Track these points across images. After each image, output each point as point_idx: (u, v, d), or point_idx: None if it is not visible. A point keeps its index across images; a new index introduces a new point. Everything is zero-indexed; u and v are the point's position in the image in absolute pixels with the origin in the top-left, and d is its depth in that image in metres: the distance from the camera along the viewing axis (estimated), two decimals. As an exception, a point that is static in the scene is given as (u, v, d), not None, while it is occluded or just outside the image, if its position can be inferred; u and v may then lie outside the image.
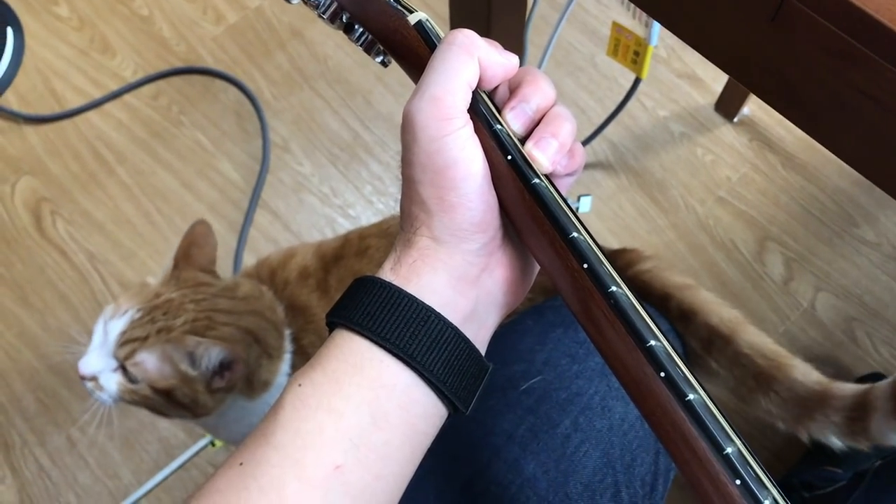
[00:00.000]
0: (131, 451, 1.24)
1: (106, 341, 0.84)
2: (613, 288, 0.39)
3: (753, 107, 1.48)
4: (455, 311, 0.42)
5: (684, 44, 1.69)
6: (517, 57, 0.45)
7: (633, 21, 1.21)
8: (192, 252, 0.88)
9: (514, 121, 0.43)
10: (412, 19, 0.46)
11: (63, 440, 1.25)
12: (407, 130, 0.42)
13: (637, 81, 1.25)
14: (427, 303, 0.41)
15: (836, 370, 1.26)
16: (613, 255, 0.85)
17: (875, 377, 1.23)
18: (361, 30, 0.50)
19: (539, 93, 0.43)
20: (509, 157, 0.42)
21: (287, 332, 0.92)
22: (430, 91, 0.41)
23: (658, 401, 0.37)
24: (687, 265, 1.35)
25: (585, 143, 1.41)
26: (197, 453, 1.23)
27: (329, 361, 0.41)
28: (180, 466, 1.22)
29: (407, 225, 0.43)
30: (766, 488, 0.35)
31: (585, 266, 0.40)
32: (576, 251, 0.40)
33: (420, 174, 0.42)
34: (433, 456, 0.43)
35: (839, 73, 0.49)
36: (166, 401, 0.83)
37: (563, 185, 0.46)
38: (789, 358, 0.75)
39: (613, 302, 0.39)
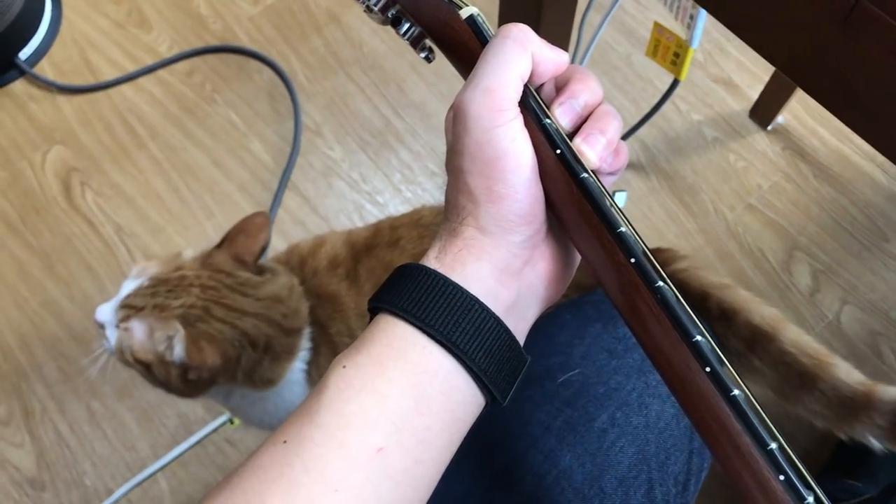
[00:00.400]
0: (150, 424, 1.24)
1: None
2: (660, 283, 0.40)
3: (788, 116, 1.47)
4: (497, 301, 0.42)
5: (722, 48, 1.67)
6: (567, 54, 0.45)
7: (674, 22, 1.20)
8: (238, 239, 0.87)
9: (562, 116, 0.43)
10: (464, 13, 0.46)
11: (83, 410, 1.25)
12: (458, 120, 0.42)
13: (675, 83, 1.24)
14: (471, 292, 0.42)
15: (859, 384, 1.25)
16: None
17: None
18: (409, 24, 0.51)
19: (588, 90, 0.44)
20: (558, 151, 0.42)
21: (306, 332, 0.91)
22: (484, 82, 0.42)
23: (702, 396, 0.38)
24: (714, 271, 1.34)
25: (617, 142, 1.40)
26: (215, 430, 1.23)
27: (373, 345, 0.41)
28: (198, 442, 1.23)
29: (453, 215, 0.44)
30: (810, 486, 0.35)
31: (633, 261, 0.40)
32: (623, 246, 0.41)
33: (469, 164, 0.42)
34: (470, 441, 0.43)
35: (907, 78, 0.49)
36: (146, 373, 0.84)
37: (605, 183, 0.46)
38: (831, 357, 0.75)
39: (660, 297, 0.39)
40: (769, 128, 1.47)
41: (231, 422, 1.23)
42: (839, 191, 1.41)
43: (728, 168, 1.43)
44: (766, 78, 1.45)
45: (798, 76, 0.58)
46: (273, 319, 0.86)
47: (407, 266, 0.43)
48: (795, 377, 0.75)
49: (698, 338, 0.38)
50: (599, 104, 0.44)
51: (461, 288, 0.41)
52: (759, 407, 0.37)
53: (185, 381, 0.83)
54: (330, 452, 0.38)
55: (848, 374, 0.76)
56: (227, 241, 0.87)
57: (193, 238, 1.37)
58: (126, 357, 0.83)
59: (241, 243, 0.86)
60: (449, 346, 0.40)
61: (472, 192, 0.42)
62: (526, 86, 0.43)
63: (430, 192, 1.42)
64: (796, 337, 0.76)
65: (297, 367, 0.91)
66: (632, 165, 1.43)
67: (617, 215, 0.41)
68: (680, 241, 1.37)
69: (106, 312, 0.85)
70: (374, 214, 1.40)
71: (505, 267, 0.43)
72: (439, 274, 0.42)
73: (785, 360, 0.75)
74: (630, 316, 0.41)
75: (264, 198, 1.40)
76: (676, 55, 1.21)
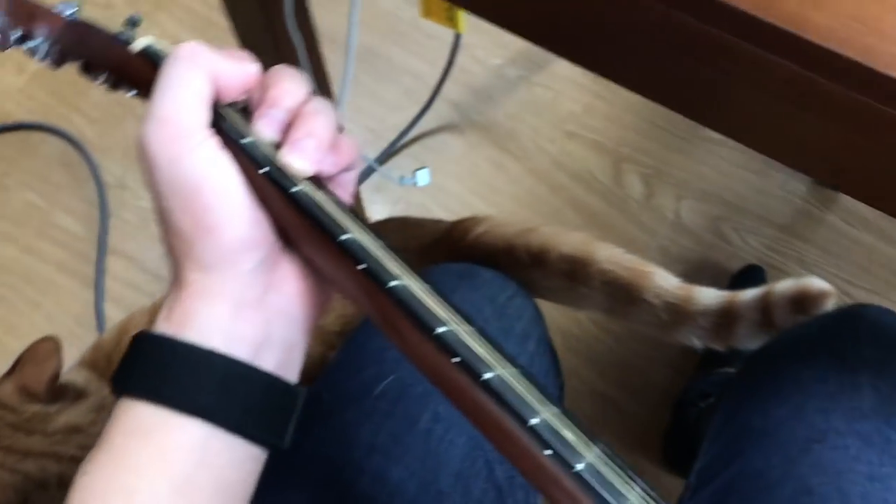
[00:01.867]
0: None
1: None
2: (393, 283, 0.37)
3: (581, 35, 1.48)
4: (243, 342, 0.39)
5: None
6: (255, 63, 0.43)
7: (436, -22, 1.18)
8: (26, 368, 0.79)
9: (265, 129, 0.40)
10: (136, 46, 0.43)
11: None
12: (143, 159, 0.39)
13: (458, 37, 1.23)
14: (210, 342, 0.38)
15: (715, 272, 1.29)
16: (448, 231, 0.83)
17: (752, 269, 1.26)
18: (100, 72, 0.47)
19: (286, 94, 0.41)
20: (265, 170, 0.39)
21: None
22: (157, 112, 0.39)
23: (459, 387, 0.36)
24: (551, 206, 1.35)
25: (426, 108, 1.39)
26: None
27: (114, 437, 0.38)
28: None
29: (173, 266, 0.40)
30: (580, 454, 0.34)
31: (364, 267, 0.38)
32: (349, 253, 0.38)
33: (170, 203, 0.39)
34: (295, 488, 0.41)
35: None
36: None
37: (345, 183, 0.44)
38: (647, 265, 0.74)
39: (396, 297, 0.37)
40: (567, 52, 1.47)
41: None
42: (647, 93, 1.43)
43: (539, 102, 1.44)
44: (549, 4, 1.45)
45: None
46: (66, 455, 0.77)
47: (135, 337, 0.40)
48: (621, 293, 0.75)
49: (439, 329, 0.36)
50: (304, 104, 0.41)
51: (192, 346, 0.38)
52: (522, 383, 0.36)
53: None
54: None
55: (665, 279, 0.76)
56: (15, 369, 0.80)
57: (26, 336, 1.28)
58: None
59: (29, 373, 0.78)
60: (195, 413, 0.37)
61: (181, 231, 0.39)
62: (216, 106, 0.40)
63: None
64: (610, 253, 0.75)
65: None
66: (446, 127, 1.42)
67: (338, 222, 0.39)
68: (513, 188, 1.37)
69: None
70: (206, 252, 1.34)
71: (242, 302, 0.40)
72: (166, 338, 0.39)
73: (607, 278, 0.74)
74: (381, 323, 0.39)
75: (87, 271, 1.33)
76: (450, 9, 1.20)
